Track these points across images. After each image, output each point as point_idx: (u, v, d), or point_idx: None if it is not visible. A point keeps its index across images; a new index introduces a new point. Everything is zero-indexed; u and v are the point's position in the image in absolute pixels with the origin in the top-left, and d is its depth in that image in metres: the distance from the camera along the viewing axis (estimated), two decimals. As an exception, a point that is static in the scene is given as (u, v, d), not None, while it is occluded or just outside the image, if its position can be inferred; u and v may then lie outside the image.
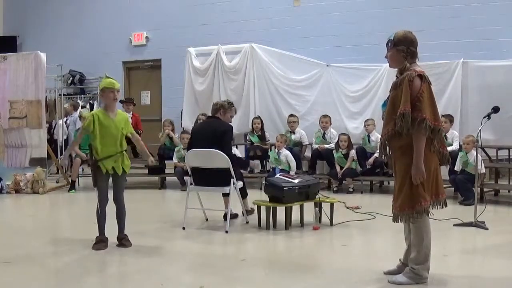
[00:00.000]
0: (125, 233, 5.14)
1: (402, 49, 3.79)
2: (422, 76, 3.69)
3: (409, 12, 10.19)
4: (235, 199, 6.06)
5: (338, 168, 8.65)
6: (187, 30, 11.82)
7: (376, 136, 8.79)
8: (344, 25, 10.71)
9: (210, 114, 6.41)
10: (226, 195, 6.20)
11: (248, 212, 6.20)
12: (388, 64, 3.97)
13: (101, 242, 5.03)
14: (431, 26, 9.68)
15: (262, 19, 11.36)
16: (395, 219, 3.88)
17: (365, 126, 8.94)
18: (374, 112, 9.36)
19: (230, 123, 6.18)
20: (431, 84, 3.79)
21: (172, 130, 9.59)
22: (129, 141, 10.25)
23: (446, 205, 3.89)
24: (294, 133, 9.29)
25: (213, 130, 5.91)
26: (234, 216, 6.22)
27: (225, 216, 6.02)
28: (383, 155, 4.00)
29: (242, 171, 6.56)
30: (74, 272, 4.39)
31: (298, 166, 8.69)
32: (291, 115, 9.42)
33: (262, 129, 9.44)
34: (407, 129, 3.66)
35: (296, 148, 9.09)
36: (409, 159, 3.70)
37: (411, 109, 3.65)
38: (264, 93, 9.91)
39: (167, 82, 12.28)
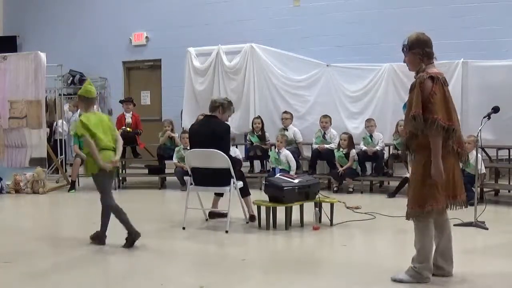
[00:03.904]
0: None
1: (418, 51, 3.85)
2: (433, 78, 3.72)
3: (409, 12, 10.18)
4: (236, 200, 6.04)
5: (339, 167, 8.65)
6: (187, 30, 11.81)
7: (377, 135, 8.80)
8: (344, 25, 10.71)
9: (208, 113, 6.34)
10: (219, 195, 6.21)
11: (251, 217, 6.13)
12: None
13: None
14: (431, 26, 9.62)
15: (262, 19, 11.35)
16: (407, 217, 3.92)
17: (367, 126, 8.94)
18: (374, 112, 9.38)
19: (227, 122, 6.15)
20: (447, 84, 3.81)
21: (172, 130, 9.60)
22: (129, 141, 10.30)
23: (466, 206, 3.93)
24: (287, 130, 9.27)
25: (211, 131, 5.86)
26: (223, 215, 6.13)
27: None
28: (405, 154, 4.15)
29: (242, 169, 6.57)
30: (74, 272, 4.39)
31: (297, 166, 8.67)
32: (285, 112, 9.42)
33: (262, 129, 9.43)
34: (421, 130, 3.72)
35: (291, 146, 9.04)
36: (422, 158, 3.79)
37: (424, 111, 3.69)
38: (264, 93, 9.90)
39: (167, 82, 12.27)
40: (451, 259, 3.99)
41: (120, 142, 5.18)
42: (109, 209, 5.10)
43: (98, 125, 5.03)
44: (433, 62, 3.88)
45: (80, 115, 9.87)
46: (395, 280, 3.91)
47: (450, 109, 3.76)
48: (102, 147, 4.99)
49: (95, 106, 5.37)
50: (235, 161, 6.15)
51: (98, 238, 5.15)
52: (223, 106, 6.06)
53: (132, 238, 5.02)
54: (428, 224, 3.83)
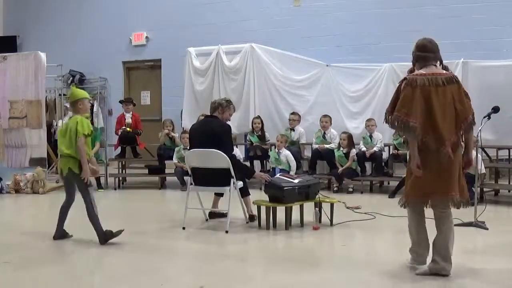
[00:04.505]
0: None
1: (413, 55, 4.17)
2: (407, 79, 4.04)
3: (409, 12, 10.20)
4: (236, 200, 6.04)
5: (339, 167, 8.66)
6: (187, 30, 11.82)
7: (377, 135, 8.80)
8: (344, 25, 10.71)
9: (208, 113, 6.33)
10: (219, 195, 6.21)
11: (251, 217, 6.13)
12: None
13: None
14: (431, 26, 9.65)
15: (262, 19, 11.36)
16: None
17: (367, 126, 8.93)
18: (374, 112, 9.37)
19: (228, 122, 6.14)
20: (437, 85, 3.98)
21: (172, 130, 9.60)
22: (129, 141, 10.29)
23: (459, 206, 4.04)
24: (294, 130, 9.28)
25: (210, 131, 5.86)
26: (223, 215, 6.13)
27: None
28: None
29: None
30: (74, 272, 4.39)
31: (297, 166, 8.68)
32: (293, 113, 9.43)
33: (262, 129, 9.43)
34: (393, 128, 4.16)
35: (294, 147, 9.07)
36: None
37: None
38: (264, 93, 9.90)
39: (167, 82, 12.27)
40: (448, 258, 3.99)
41: (78, 148, 5.03)
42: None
43: (63, 131, 5.20)
44: (431, 65, 4.10)
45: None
46: (418, 274, 4.06)
47: (417, 108, 3.91)
48: (59, 153, 5.23)
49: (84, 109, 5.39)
50: (249, 172, 6.20)
51: (105, 235, 5.11)
52: (221, 106, 6.07)
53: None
54: (412, 212, 4.15)
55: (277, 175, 6.51)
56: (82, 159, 5.04)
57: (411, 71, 4.14)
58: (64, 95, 11.50)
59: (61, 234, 5.30)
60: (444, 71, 4.12)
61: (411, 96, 3.93)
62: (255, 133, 9.42)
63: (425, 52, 4.09)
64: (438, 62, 4.17)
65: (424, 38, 4.17)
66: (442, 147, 3.92)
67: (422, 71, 4.03)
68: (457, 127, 3.99)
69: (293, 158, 8.44)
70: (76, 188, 5.27)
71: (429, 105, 3.93)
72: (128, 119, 9.90)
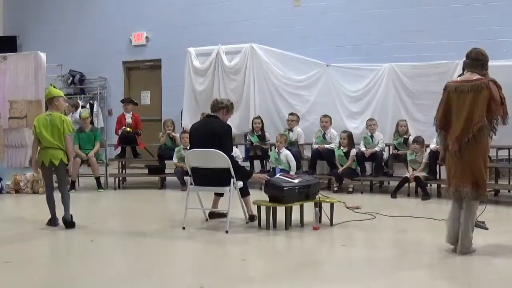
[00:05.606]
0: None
1: None
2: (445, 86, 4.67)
3: (409, 12, 10.19)
4: (236, 200, 6.04)
5: (339, 167, 8.66)
6: (187, 30, 11.82)
7: (378, 135, 8.80)
8: (344, 25, 10.71)
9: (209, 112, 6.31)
10: (219, 195, 6.21)
11: (251, 217, 6.13)
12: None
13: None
14: (431, 26, 9.68)
15: (262, 19, 11.36)
16: None
17: (368, 125, 8.93)
18: (374, 112, 9.37)
19: (228, 122, 6.15)
20: (462, 91, 4.48)
21: (173, 130, 9.61)
22: (129, 141, 10.29)
23: (466, 197, 4.50)
24: (292, 131, 9.29)
25: (211, 131, 5.86)
26: (223, 215, 6.12)
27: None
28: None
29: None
30: (74, 272, 4.39)
31: (297, 166, 8.68)
32: (291, 114, 9.43)
33: (262, 129, 9.43)
34: None
35: (293, 147, 9.07)
36: None
37: None
38: (264, 93, 9.90)
39: (167, 82, 12.27)
40: (465, 244, 4.56)
41: (68, 144, 5.81)
42: (46, 197, 5.83)
43: (46, 125, 5.74)
44: (470, 71, 4.54)
45: (80, 115, 9.95)
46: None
47: (441, 112, 4.64)
48: (45, 145, 5.71)
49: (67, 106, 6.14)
50: (247, 173, 6.20)
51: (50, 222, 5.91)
52: (227, 108, 6.06)
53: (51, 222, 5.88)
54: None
55: (277, 175, 6.51)
56: (70, 153, 5.90)
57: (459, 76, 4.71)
58: (64, 95, 11.50)
59: (57, 221, 5.82)
60: (476, 77, 4.46)
61: (441, 101, 4.65)
62: (255, 133, 9.42)
63: (467, 60, 4.59)
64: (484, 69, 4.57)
65: (473, 48, 4.62)
66: (451, 145, 4.52)
67: (458, 78, 4.61)
68: (470, 129, 4.43)
69: (293, 158, 8.44)
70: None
71: (450, 109, 4.54)
72: (128, 119, 9.91)
